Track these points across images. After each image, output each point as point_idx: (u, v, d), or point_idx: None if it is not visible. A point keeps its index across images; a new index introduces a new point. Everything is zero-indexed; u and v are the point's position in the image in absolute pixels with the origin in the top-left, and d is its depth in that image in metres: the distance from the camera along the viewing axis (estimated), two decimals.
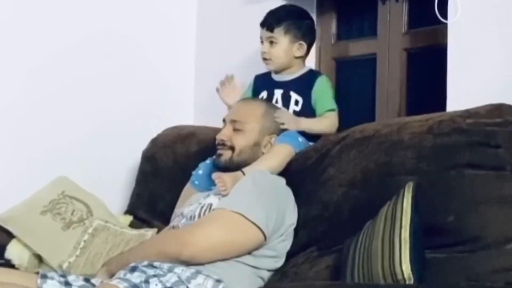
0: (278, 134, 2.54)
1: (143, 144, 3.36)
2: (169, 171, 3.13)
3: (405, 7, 2.93)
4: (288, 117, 2.58)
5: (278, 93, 2.70)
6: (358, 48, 3.16)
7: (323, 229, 2.27)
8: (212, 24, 3.72)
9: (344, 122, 2.65)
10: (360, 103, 3.13)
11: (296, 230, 2.32)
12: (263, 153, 2.50)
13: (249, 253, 2.19)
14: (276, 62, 2.71)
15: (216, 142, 2.55)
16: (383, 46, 2.99)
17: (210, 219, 2.23)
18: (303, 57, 2.75)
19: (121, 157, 3.48)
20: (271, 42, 2.69)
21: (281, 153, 2.49)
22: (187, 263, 2.10)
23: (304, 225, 2.32)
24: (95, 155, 3.39)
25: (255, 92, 2.79)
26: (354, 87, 3.20)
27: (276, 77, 2.76)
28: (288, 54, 2.70)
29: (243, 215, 2.16)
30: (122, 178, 3.52)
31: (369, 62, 3.08)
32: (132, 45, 3.58)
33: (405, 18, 2.93)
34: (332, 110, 2.64)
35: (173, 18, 3.74)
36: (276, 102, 2.69)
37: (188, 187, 2.74)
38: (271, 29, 2.69)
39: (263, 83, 2.79)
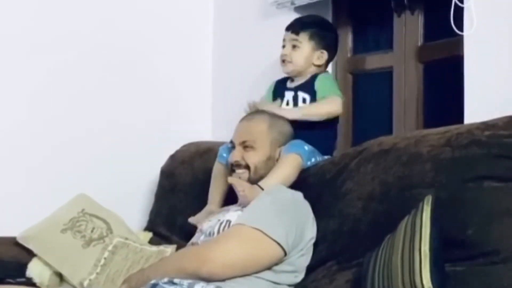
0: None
1: (162, 160, 3.38)
2: (188, 187, 3.13)
3: (420, 20, 2.93)
4: (272, 107, 2.62)
5: (289, 95, 2.73)
6: (374, 61, 3.16)
7: (342, 243, 2.27)
8: (228, 39, 3.73)
9: (362, 135, 2.66)
10: (377, 116, 3.13)
11: (315, 244, 2.31)
12: None
13: (268, 268, 2.18)
14: (295, 65, 2.73)
15: (230, 165, 2.55)
16: (399, 59, 2.99)
17: (229, 235, 2.22)
18: (321, 67, 2.75)
19: (140, 173, 3.50)
20: (294, 46, 2.72)
21: (289, 163, 2.49)
22: (207, 280, 2.09)
23: (323, 239, 2.31)
24: (114, 172, 3.41)
25: (274, 97, 2.81)
26: (371, 100, 3.20)
27: (289, 84, 2.78)
28: (308, 61, 2.72)
29: (262, 231, 2.15)
30: (141, 194, 3.53)
31: (385, 75, 3.08)
32: (149, 61, 3.61)
33: (421, 30, 2.93)
34: (334, 94, 2.66)
35: (189, 34, 3.76)
36: (287, 104, 2.72)
37: (217, 165, 2.77)
38: (296, 32, 2.72)
39: (279, 89, 2.81)
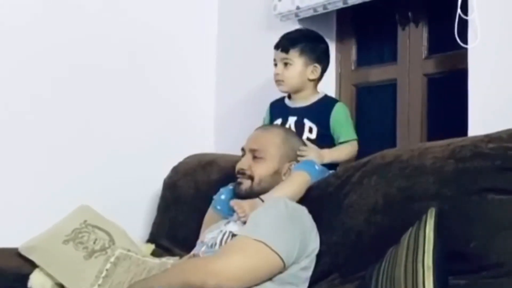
0: (297, 161, 2.54)
1: (165, 172, 3.38)
2: (190, 199, 3.13)
3: (425, 33, 2.94)
4: (311, 152, 2.56)
5: (291, 120, 2.70)
6: (378, 74, 3.16)
7: (345, 256, 2.25)
8: (233, 51, 3.74)
9: (365, 148, 2.65)
10: (380, 129, 3.12)
11: (318, 256, 2.29)
12: (283, 180, 2.49)
13: (270, 279, 2.17)
14: (289, 83, 2.71)
15: (236, 171, 2.54)
16: (403, 72, 2.99)
17: (234, 247, 2.21)
18: (316, 81, 2.75)
19: (142, 185, 3.50)
20: (286, 64, 2.70)
21: (297, 180, 2.47)
22: None
23: (326, 252, 2.30)
24: (117, 183, 3.41)
25: (271, 120, 2.80)
26: (375, 113, 3.19)
27: (290, 103, 2.77)
28: (302, 76, 2.70)
29: (265, 243, 2.14)
30: (144, 206, 3.53)
31: (389, 88, 3.08)
32: (152, 72, 3.62)
33: (425, 43, 2.93)
34: (353, 139, 2.65)
35: (193, 46, 3.77)
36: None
37: (210, 212, 2.73)
38: (286, 51, 2.69)
39: (278, 110, 2.80)
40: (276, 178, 2.48)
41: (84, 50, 3.39)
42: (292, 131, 2.65)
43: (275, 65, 2.75)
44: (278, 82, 2.74)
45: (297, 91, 2.73)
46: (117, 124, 3.48)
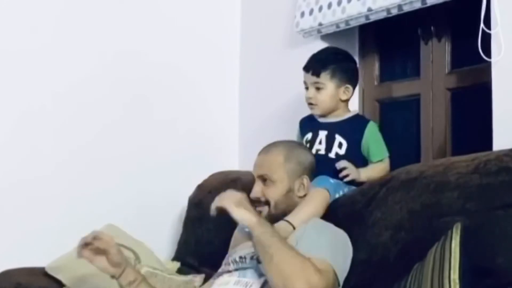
0: (308, 174, 2.51)
1: (190, 190, 3.38)
2: (215, 217, 3.12)
3: (448, 47, 2.92)
4: (352, 169, 2.56)
5: (322, 134, 2.66)
6: (401, 89, 3.15)
7: (371, 273, 2.24)
8: (255, 68, 3.75)
9: (389, 164, 2.64)
10: (404, 144, 3.11)
11: None
12: (298, 197, 2.47)
13: None
14: (322, 107, 2.67)
15: (251, 201, 2.48)
16: (426, 87, 2.98)
17: (320, 266, 2.08)
18: (348, 100, 2.72)
19: (168, 203, 3.51)
20: (317, 88, 2.65)
21: (318, 199, 2.46)
22: None
23: (353, 269, 2.28)
24: (142, 202, 3.42)
25: (302, 135, 2.77)
26: (398, 128, 3.19)
27: (321, 119, 2.72)
28: (335, 99, 2.66)
29: (332, 267, 2.11)
30: (169, 224, 3.54)
31: (412, 103, 3.07)
32: (177, 90, 3.64)
33: (448, 57, 2.92)
34: (387, 157, 2.64)
35: (216, 63, 3.80)
36: (320, 143, 2.66)
37: (238, 233, 2.71)
38: (317, 74, 2.63)
39: (308, 124, 2.76)
40: (290, 196, 2.46)
41: (112, 73, 3.44)
42: (295, 143, 2.62)
43: (306, 88, 2.70)
44: (311, 105, 2.69)
45: (330, 112, 2.69)
46: (143, 143, 3.50)
